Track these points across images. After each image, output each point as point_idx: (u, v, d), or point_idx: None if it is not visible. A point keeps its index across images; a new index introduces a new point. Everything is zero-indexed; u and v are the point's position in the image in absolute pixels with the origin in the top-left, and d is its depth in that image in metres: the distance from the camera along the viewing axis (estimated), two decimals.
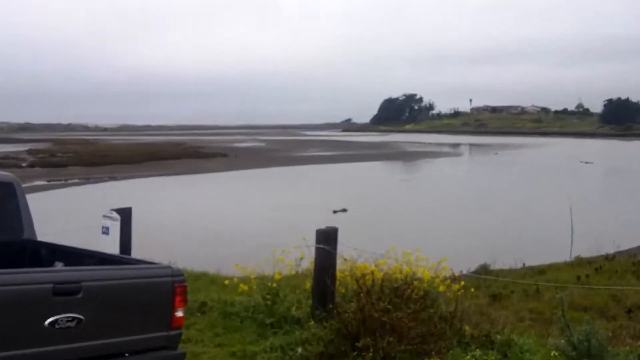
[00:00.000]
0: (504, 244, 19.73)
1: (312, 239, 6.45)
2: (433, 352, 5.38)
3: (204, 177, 46.49)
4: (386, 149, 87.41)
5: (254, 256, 7.72)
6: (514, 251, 17.16)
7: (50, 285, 3.58)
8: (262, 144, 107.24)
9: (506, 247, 18.84)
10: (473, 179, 44.29)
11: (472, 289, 7.57)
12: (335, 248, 6.32)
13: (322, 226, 6.45)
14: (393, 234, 21.74)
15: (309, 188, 38.14)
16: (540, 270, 13.59)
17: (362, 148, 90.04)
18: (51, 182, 40.02)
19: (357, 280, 6.04)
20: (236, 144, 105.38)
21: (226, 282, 7.31)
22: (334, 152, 79.24)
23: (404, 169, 57.35)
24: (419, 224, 24.51)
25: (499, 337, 5.88)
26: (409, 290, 5.63)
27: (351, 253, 6.73)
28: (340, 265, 6.62)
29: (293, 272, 6.90)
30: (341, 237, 6.64)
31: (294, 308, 6.55)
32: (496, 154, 77.65)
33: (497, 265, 13.31)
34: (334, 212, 27.01)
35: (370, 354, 5.29)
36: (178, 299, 4.11)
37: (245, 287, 6.80)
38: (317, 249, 6.29)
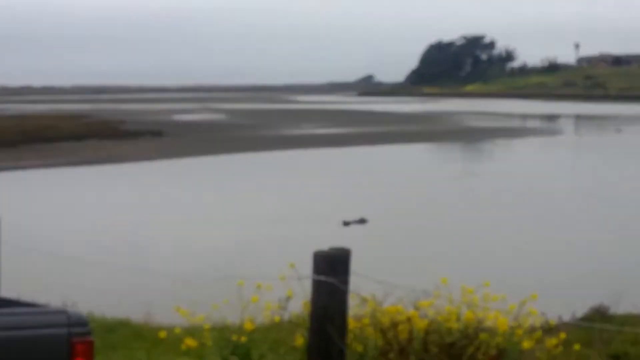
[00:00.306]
0: (634, 276, 19.89)
1: (306, 267, 6.48)
2: None
3: (123, 169, 46.68)
4: (433, 124, 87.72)
5: (209, 295, 7.66)
6: None
7: None
8: (222, 116, 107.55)
9: (637, 281, 18.91)
10: (578, 175, 44.50)
11: (578, 346, 7.59)
12: (346, 281, 6.34)
13: (325, 246, 6.48)
14: (443, 259, 21.90)
15: (302, 187, 38.33)
16: None
17: (391, 123, 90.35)
18: None
19: (384, 333, 6.05)
20: (178, 116, 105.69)
21: (161, 334, 7.35)
22: (343, 128, 79.58)
23: (462, 158, 57.44)
24: (487, 244, 24.70)
25: None
26: (473, 349, 5.64)
27: (373, 289, 6.77)
28: (354, 308, 6.65)
29: (275, 320, 6.93)
30: (357, 264, 6.66)
31: None
32: (619, 131, 77.94)
33: (622, 308, 13.39)
34: (346, 224, 27.44)
35: None
36: None
37: (193, 343, 6.83)
38: (316, 282, 6.30)
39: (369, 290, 6.82)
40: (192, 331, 7.25)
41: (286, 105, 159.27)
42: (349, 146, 60.68)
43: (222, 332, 6.93)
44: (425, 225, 28.14)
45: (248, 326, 6.79)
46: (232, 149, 56.93)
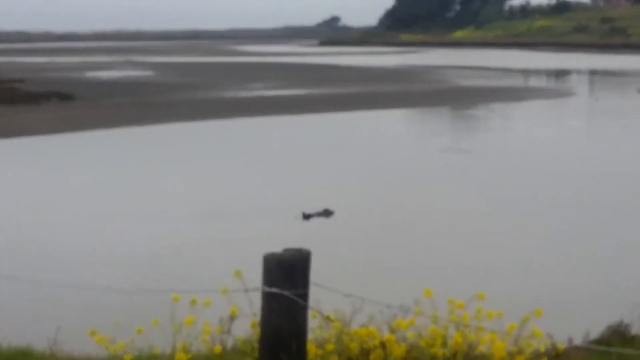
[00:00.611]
0: None
1: (256, 275, 6.47)
2: None
3: (21, 145, 46.15)
4: (412, 84, 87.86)
5: (133, 315, 7.59)
6: None
7: None
8: (148, 73, 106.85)
9: None
10: (593, 151, 44.67)
11: None
12: (305, 295, 6.34)
13: (278, 247, 6.45)
14: (426, 264, 21.94)
15: (251, 169, 38.19)
16: None
17: (362, 81, 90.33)
18: None
19: None
20: (92, 73, 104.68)
21: None
22: (302, 89, 79.46)
23: (449, 128, 57.61)
24: (480, 244, 24.72)
25: None
26: None
27: (339, 304, 6.78)
28: (315, 331, 6.66)
29: (215, 349, 6.92)
30: (319, 271, 6.67)
31: None
32: None
33: None
34: (306, 217, 27.43)
35: None
36: None
37: None
38: (267, 296, 6.29)
39: (334, 305, 6.83)
40: None
41: (230, 57, 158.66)
42: (309, 113, 60.58)
43: None
44: (405, 219, 28.07)
45: (181, 357, 6.78)
46: (162, 117, 56.59)
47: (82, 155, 42.45)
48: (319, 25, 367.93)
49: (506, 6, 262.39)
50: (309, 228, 26.17)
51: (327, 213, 27.81)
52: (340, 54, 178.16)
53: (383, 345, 6.34)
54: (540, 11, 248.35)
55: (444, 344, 6.48)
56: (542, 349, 6.65)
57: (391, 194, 32.10)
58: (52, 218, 28.42)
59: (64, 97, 67.48)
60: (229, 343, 6.97)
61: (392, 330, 6.57)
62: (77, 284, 17.94)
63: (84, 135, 49.28)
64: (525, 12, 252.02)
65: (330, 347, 6.56)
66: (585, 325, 12.77)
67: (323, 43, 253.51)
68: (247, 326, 6.80)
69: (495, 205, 30.18)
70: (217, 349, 6.88)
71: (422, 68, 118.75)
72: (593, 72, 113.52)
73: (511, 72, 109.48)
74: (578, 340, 11.03)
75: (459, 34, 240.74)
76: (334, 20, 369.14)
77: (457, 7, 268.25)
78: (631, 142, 46.71)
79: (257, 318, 6.45)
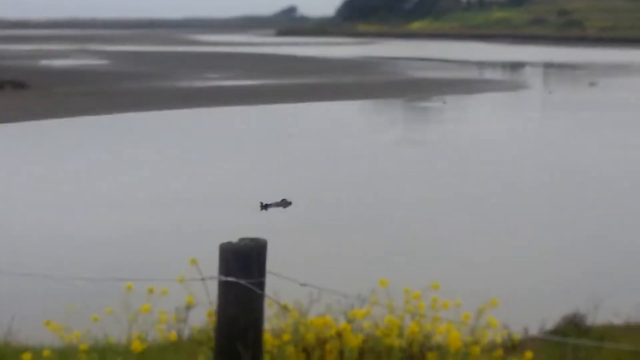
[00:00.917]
0: (617, 277, 20.17)
1: (210, 265, 6.47)
2: None
3: None
4: (369, 75, 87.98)
5: (89, 303, 7.52)
6: (636, 290, 17.58)
7: None
8: (103, 61, 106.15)
9: (620, 282, 19.22)
10: (545, 145, 44.91)
11: None
12: (262, 284, 6.34)
13: (235, 237, 6.45)
14: (383, 254, 22.03)
15: (207, 158, 38.12)
16: None
17: (318, 72, 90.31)
18: None
19: (308, 353, 6.06)
20: (46, 61, 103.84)
21: (25, 357, 7.27)
22: (258, 80, 79.29)
23: (404, 119, 57.85)
24: (434, 235, 24.90)
25: None
26: None
27: (296, 294, 6.78)
28: (272, 320, 6.65)
29: (171, 337, 6.90)
30: (276, 261, 6.68)
31: None
32: (592, 85, 79.25)
33: (602, 317, 13.61)
34: (263, 207, 27.41)
35: None
36: None
37: None
38: (223, 285, 6.29)
39: (291, 295, 6.82)
40: (66, 353, 7.14)
41: (185, 47, 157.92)
42: (265, 103, 60.48)
43: (103, 354, 6.87)
44: (362, 209, 28.17)
45: (136, 346, 6.75)
46: (117, 106, 56.20)
47: (35, 144, 42.14)
48: (276, 15, 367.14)
49: None
50: (267, 218, 26.18)
51: (285, 203, 27.80)
52: (297, 44, 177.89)
53: (339, 335, 6.34)
54: (497, 3, 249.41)
55: (401, 334, 6.47)
56: (499, 339, 6.66)
57: (348, 185, 32.16)
58: (1, 207, 28.20)
59: (17, 85, 66.90)
60: (185, 332, 6.95)
61: (349, 320, 6.57)
62: (32, 272, 17.80)
63: (37, 124, 48.86)
64: (483, 4, 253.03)
65: (286, 337, 6.54)
66: (541, 315, 12.90)
67: (280, 33, 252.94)
68: (203, 316, 6.78)
69: (450, 197, 30.33)
70: (173, 336, 6.86)
71: (378, 59, 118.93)
72: (548, 65, 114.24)
73: (467, 64, 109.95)
74: (534, 331, 11.13)
75: (416, 25, 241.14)
76: (291, 10, 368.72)
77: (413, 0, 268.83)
78: (584, 134, 47.15)
79: (214, 307, 6.43)
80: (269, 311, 6.58)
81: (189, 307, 6.84)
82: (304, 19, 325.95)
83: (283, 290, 6.73)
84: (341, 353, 6.16)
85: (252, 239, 6.34)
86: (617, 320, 13.85)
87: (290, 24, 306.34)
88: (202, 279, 6.50)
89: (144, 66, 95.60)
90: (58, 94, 62.75)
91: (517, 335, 7.05)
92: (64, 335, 6.93)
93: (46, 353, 7.10)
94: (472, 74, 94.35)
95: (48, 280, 16.68)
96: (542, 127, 52.49)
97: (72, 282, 16.62)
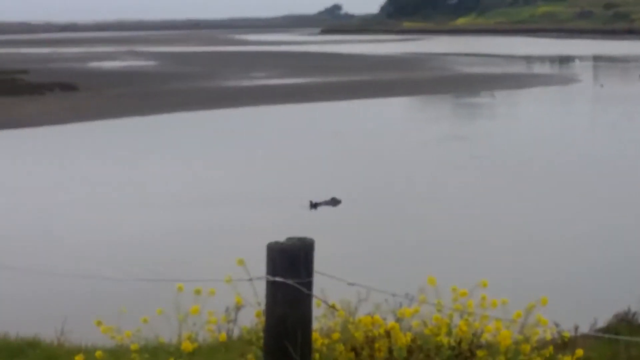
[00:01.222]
0: None
1: (257, 264, 6.48)
2: None
3: (25, 135, 46.19)
4: (415, 71, 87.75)
5: (139, 304, 7.57)
6: None
7: None
8: (150, 62, 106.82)
9: None
10: (600, 139, 44.61)
11: None
12: (309, 283, 6.33)
13: (285, 236, 6.46)
14: (431, 252, 21.98)
15: (256, 157, 38.23)
16: None
17: (364, 70, 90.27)
18: None
19: (357, 352, 6.06)
20: (94, 64, 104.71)
21: (78, 357, 7.34)
22: (304, 78, 79.40)
23: (453, 115, 57.57)
24: (483, 232, 24.82)
25: None
26: None
27: (344, 293, 6.79)
28: (320, 320, 6.66)
29: (221, 337, 6.94)
30: (324, 260, 6.68)
31: None
32: None
33: None
34: (313, 206, 27.49)
35: None
36: None
37: None
38: (271, 285, 6.30)
39: (339, 295, 6.82)
40: (117, 353, 7.21)
41: (231, 47, 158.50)
42: (312, 101, 60.54)
43: (154, 353, 6.90)
44: (411, 206, 28.18)
45: (187, 347, 6.78)
46: (165, 106, 56.55)
47: (85, 145, 42.47)
48: (320, 14, 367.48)
49: None
50: (315, 216, 26.23)
51: (334, 202, 27.84)
52: (341, 42, 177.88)
53: (388, 333, 6.33)
54: None
55: (449, 333, 6.47)
56: (549, 337, 6.64)
57: (396, 182, 32.14)
58: (55, 208, 28.48)
59: (67, 87, 67.49)
60: (235, 332, 6.98)
61: (398, 319, 6.57)
62: (83, 273, 17.98)
63: (87, 125, 49.30)
64: None
65: (335, 336, 6.55)
66: (592, 313, 12.79)
67: (324, 31, 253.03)
68: (252, 315, 6.80)
69: (500, 192, 30.22)
70: (222, 337, 6.89)
71: (425, 56, 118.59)
72: (597, 58, 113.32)
73: (515, 59, 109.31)
74: (585, 328, 11.04)
75: (461, 21, 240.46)
76: (335, 8, 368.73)
77: None
78: (635, 129, 46.66)
79: (262, 307, 6.44)
80: (317, 311, 6.59)
81: (237, 307, 6.86)
82: (348, 17, 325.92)
83: (331, 290, 6.72)
84: (390, 352, 6.14)
85: (299, 239, 6.33)
86: None
87: (334, 22, 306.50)
88: (250, 280, 6.52)
89: (190, 66, 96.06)
90: (107, 96, 63.23)
91: (568, 332, 7.01)
92: (115, 336, 6.99)
93: (98, 354, 7.16)
94: (520, 68, 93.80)
95: (98, 282, 16.86)
96: (597, 121, 52.05)
97: (121, 283, 16.77)
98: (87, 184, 32.40)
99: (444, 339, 6.33)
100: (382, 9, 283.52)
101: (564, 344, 6.73)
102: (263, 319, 6.39)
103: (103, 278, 16.47)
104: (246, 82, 75.65)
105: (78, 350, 8.08)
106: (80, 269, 19.65)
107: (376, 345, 6.19)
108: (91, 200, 29.31)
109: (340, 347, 6.44)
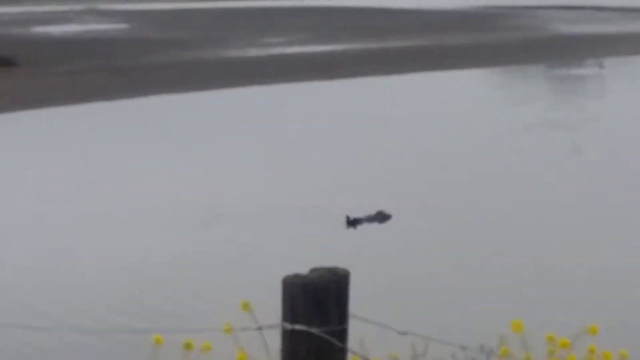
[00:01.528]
0: None
1: (269, 307, 6.49)
2: None
3: None
4: (491, 32, 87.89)
5: None
6: None
7: None
8: (121, 25, 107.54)
9: None
10: None
11: None
12: (343, 332, 6.35)
13: (306, 266, 6.47)
14: (514, 286, 21.99)
15: (270, 154, 38.48)
16: None
17: (418, 30, 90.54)
18: None
19: None
20: (41, 28, 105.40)
21: None
22: (335, 44, 79.88)
23: (546, 94, 57.68)
24: (590, 259, 24.77)
25: None
26: None
27: (394, 346, 6.81)
28: None
29: None
30: (364, 300, 6.70)
31: None
32: None
33: None
34: (350, 222, 27.61)
35: None
36: None
37: None
38: (289, 335, 6.32)
39: (385, 348, 6.85)
40: None
41: (233, 0, 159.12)
42: (347, 77, 60.80)
43: None
44: (483, 223, 28.29)
45: None
46: (141, 87, 56.99)
47: (31, 142, 42.80)
48: None
49: None
50: (356, 238, 26.27)
51: (380, 217, 27.88)
52: None
53: None
54: None
55: None
56: None
57: (466, 189, 32.22)
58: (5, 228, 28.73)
59: (2, 62, 68.09)
60: None
61: None
62: (40, 323, 18.13)
63: (29, 115, 49.66)
64: None
65: None
66: None
67: None
68: None
69: (613, 203, 30.25)
70: None
71: (504, 9, 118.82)
72: None
73: (634, 14, 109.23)
74: None
75: None
76: None
77: None
78: None
79: None
80: None
81: None
82: None
83: (373, 341, 6.74)
84: None
85: (329, 269, 6.34)
86: None
87: None
88: (259, 328, 6.54)
89: (177, 30, 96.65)
90: (58, 73, 63.67)
91: None
92: None
93: None
94: (638, 26, 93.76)
95: (61, 333, 16.99)
96: None
97: (91, 334, 16.91)
98: (39, 194, 32.63)
99: None
100: None
101: None
102: None
103: (67, 329, 16.66)
104: (256, 51, 76.13)
105: None
106: (37, 316, 19.77)
107: None
108: (43, 217, 29.54)
109: None
